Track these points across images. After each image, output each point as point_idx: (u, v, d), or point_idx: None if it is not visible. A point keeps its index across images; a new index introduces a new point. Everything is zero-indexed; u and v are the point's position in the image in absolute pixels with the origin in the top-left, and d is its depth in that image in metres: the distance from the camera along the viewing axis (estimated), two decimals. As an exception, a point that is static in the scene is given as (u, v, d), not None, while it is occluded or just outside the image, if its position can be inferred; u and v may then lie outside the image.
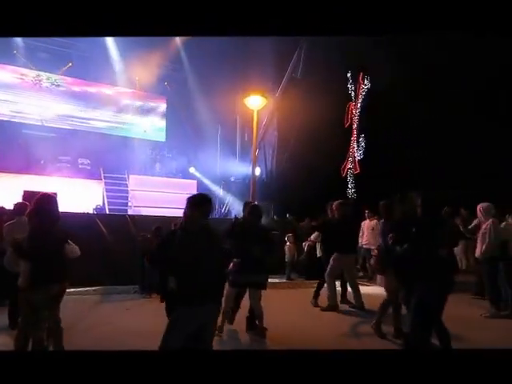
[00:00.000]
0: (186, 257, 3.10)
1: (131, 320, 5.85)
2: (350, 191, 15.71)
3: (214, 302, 3.22)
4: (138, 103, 15.96)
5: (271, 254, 5.36)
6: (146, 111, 16.18)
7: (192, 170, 15.68)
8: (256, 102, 9.97)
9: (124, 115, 15.66)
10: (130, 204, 13.12)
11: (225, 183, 15.49)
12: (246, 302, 5.42)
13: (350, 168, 15.71)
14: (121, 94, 15.56)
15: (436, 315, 3.98)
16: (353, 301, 7.02)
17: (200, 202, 3.28)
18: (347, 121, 15.57)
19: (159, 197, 12.57)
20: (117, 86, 15.17)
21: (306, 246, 9.98)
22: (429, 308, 3.90)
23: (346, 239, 6.73)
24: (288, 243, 10.12)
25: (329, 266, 6.82)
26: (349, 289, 7.19)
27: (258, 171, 14.26)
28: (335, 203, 6.97)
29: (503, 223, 6.76)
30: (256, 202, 7.34)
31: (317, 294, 7.11)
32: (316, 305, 7.01)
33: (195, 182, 14.66)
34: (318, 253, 10.10)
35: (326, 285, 6.96)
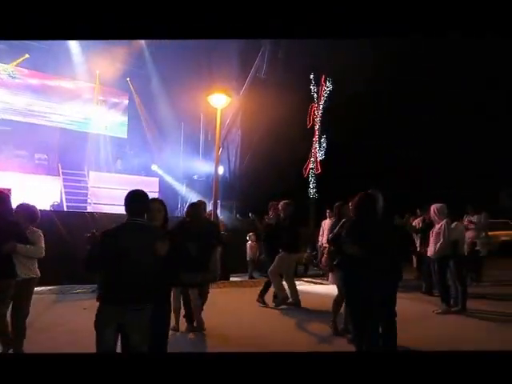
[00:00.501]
0: (107, 255, 2.98)
1: (88, 319, 5.73)
2: (312, 191, 16.00)
3: (139, 302, 3.00)
4: (99, 98, 15.57)
5: (212, 252, 5.41)
6: (107, 107, 15.80)
7: (154, 167, 15.47)
8: (219, 101, 9.96)
9: (84, 110, 15.23)
10: (89, 201, 12.80)
11: (188, 181, 15.39)
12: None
13: (311, 168, 15.99)
14: (81, 88, 15.12)
15: (381, 313, 4.04)
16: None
17: (126, 200, 3.18)
18: (309, 122, 15.84)
19: (120, 194, 12.30)
20: (77, 79, 14.74)
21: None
22: (370, 306, 3.97)
23: (291, 239, 6.81)
24: (250, 242, 10.21)
25: (273, 265, 6.88)
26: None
27: (221, 170, 14.26)
28: (281, 203, 7.05)
29: (454, 223, 7.10)
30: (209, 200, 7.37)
31: (263, 294, 7.13)
32: (261, 302, 7.04)
33: (157, 179, 14.47)
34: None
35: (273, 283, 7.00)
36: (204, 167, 15.12)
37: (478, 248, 8.56)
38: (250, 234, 10.25)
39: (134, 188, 3.33)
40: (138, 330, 3.02)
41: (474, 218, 8.35)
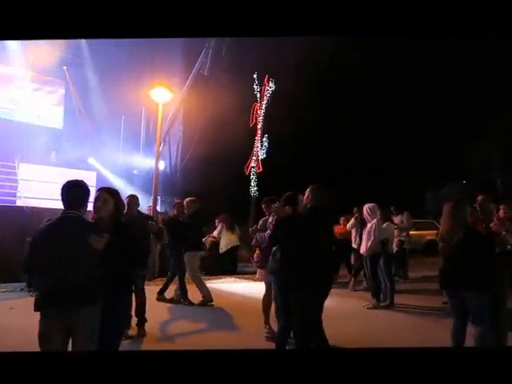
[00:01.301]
0: (40, 254, 2.78)
1: (15, 319, 5.47)
2: (253, 189, 16.20)
3: (81, 302, 2.77)
4: (33, 85, 14.72)
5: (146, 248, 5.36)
6: (41, 95, 14.98)
7: (91, 160, 14.87)
8: (161, 95, 9.80)
9: (16, 97, 14.34)
10: (19, 195, 12.09)
11: (127, 176, 14.98)
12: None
13: (253, 167, 16.18)
14: (13, 74, 14.22)
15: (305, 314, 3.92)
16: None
17: (62, 191, 2.97)
18: (252, 120, 16.02)
19: (54, 188, 11.75)
20: (8, 65, 13.84)
21: (207, 241, 10.10)
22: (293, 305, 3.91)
23: (195, 237, 6.83)
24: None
25: (188, 269, 6.90)
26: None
27: (162, 165, 14.03)
28: (186, 200, 7.06)
29: (385, 223, 7.51)
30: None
31: (164, 290, 7.11)
32: (161, 299, 7.01)
33: (94, 173, 13.95)
34: (220, 249, 10.29)
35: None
36: (145, 162, 14.79)
37: (405, 247, 9.09)
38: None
39: (69, 182, 3.09)
40: (83, 332, 2.81)
41: (397, 219, 8.85)
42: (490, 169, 22.64)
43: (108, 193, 3.28)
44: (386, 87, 19.48)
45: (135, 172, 15.05)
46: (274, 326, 4.72)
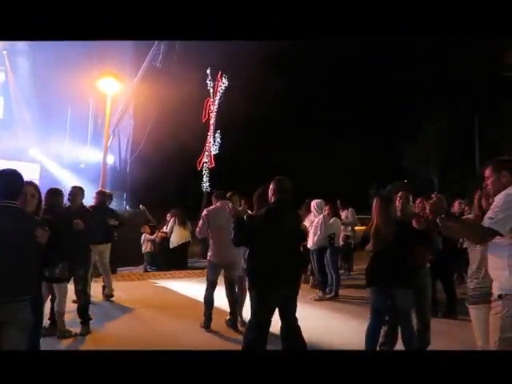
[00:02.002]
0: None
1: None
2: (205, 184, 16.16)
3: (20, 294, 2.71)
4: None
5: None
6: (-23, 81, 14.12)
7: (34, 151, 14.17)
8: (110, 86, 9.55)
9: None
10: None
11: (74, 169, 14.45)
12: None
13: (205, 162, 16.13)
14: None
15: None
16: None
17: None
18: (205, 116, 15.95)
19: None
20: None
21: (157, 237, 10.00)
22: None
23: (99, 228, 6.44)
24: (145, 235, 10.00)
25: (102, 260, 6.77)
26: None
27: (111, 159, 13.67)
28: (96, 191, 6.96)
29: (333, 218, 7.77)
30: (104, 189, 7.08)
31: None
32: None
33: (38, 165, 13.36)
34: (171, 244, 10.21)
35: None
36: (93, 155, 14.32)
37: (350, 241, 9.44)
38: (145, 226, 10.06)
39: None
40: (19, 325, 2.70)
41: (343, 214, 9.17)
42: (428, 169, 24.01)
43: (35, 188, 3.23)
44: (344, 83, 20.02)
45: (82, 166, 14.54)
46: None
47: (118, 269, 9.24)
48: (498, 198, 2.72)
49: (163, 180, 12.89)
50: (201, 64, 15.76)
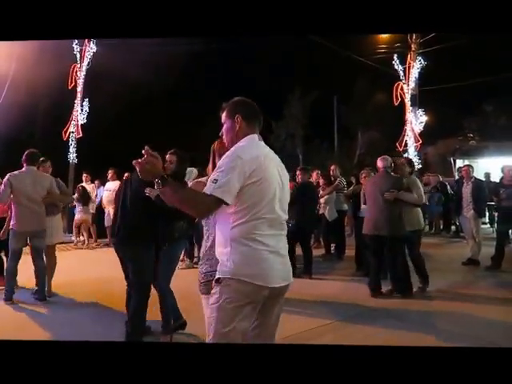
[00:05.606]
0: None
1: None
2: (72, 155, 15.34)
3: None
4: None
5: None
6: None
7: None
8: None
9: None
10: None
11: None
12: None
13: (72, 132, 15.26)
14: None
15: None
16: None
17: None
18: (71, 83, 14.98)
19: None
20: None
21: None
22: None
23: None
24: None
25: None
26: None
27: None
28: None
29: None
30: None
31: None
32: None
33: None
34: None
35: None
36: None
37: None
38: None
39: None
40: None
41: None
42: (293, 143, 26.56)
43: None
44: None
45: None
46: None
47: None
48: (226, 155, 2.17)
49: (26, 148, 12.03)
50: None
